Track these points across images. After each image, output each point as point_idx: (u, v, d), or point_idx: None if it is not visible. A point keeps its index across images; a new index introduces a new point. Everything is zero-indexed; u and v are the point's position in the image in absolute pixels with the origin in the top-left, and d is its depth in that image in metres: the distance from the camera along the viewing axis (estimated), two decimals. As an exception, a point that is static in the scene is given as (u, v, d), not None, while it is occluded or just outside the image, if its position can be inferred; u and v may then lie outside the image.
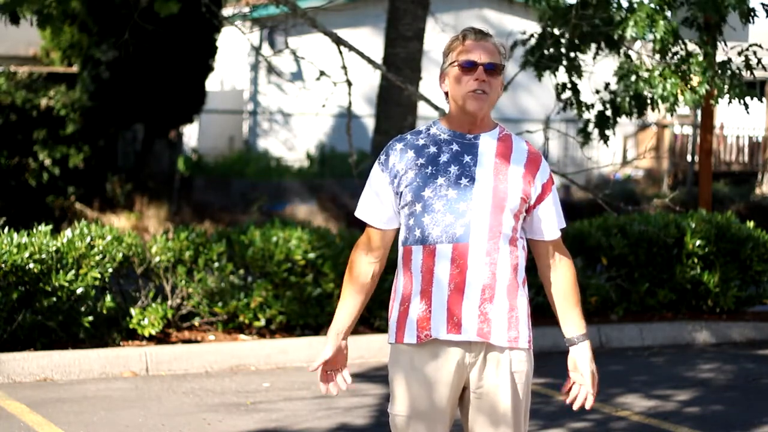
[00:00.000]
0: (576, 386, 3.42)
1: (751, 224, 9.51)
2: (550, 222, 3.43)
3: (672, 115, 8.09)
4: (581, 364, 3.40)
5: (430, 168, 3.34)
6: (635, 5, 7.77)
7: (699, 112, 11.54)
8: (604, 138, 8.43)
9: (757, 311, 9.60)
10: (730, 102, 7.91)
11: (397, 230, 3.47)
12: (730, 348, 8.80)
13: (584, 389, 3.41)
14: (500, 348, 3.31)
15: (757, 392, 7.26)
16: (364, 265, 3.45)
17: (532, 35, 8.53)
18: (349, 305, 3.46)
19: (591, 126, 8.53)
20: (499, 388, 3.31)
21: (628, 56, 8.42)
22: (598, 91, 8.48)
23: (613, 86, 8.61)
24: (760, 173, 21.41)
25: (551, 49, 8.39)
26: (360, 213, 3.46)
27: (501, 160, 3.35)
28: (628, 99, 8.04)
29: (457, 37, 3.39)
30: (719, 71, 7.82)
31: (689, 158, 20.17)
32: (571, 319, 3.43)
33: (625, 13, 7.77)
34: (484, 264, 3.28)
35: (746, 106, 7.96)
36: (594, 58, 8.33)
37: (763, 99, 22.68)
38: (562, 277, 3.45)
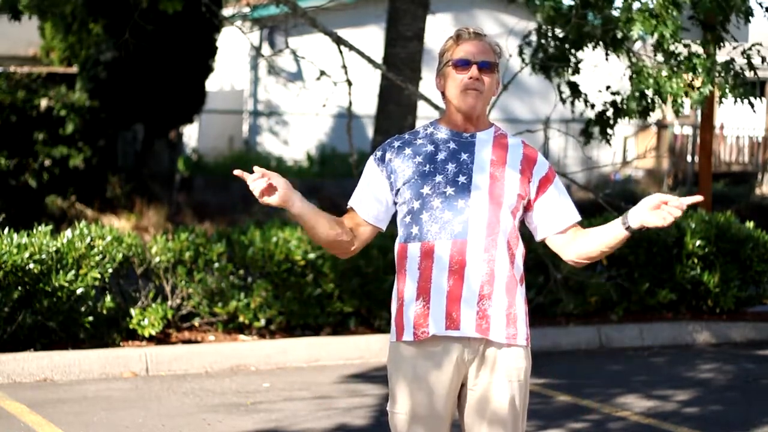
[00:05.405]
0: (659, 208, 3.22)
1: (751, 224, 9.50)
2: (561, 210, 3.41)
3: (678, 115, 8.08)
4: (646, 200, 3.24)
5: (428, 166, 3.35)
6: (641, 4, 7.75)
7: (699, 112, 11.52)
8: (606, 136, 8.42)
9: (757, 311, 9.60)
10: (735, 102, 7.90)
11: (376, 232, 3.46)
12: (730, 348, 8.80)
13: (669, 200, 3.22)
14: (498, 345, 3.32)
15: (756, 392, 7.26)
16: (340, 226, 3.40)
17: (531, 34, 8.51)
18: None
19: (592, 126, 8.53)
20: (497, 385, 3.32)
21: (629, 56, 8.40)
22: (600, 92, 8.47)
23: (616, 87, 8.60)
24: (760, 173, 21.39)
25: (551, 49, 8.38)
26: (352, 201, 3.46)
27: (497, 157, 3.37)
28: (634, 100, 8.01)
29: (451, 38, 3.42)
30: (722, 71, 7.82)
31: (689, 158, 20.15)
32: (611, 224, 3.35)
33: (628, 13, 7.75)
34: (482, 261, 3.28)
35: (752, 105, 7.94)
36: (606, 57, 8.30)
37: (763, 99, 22.66)
38: (585, 231, 3.40)
